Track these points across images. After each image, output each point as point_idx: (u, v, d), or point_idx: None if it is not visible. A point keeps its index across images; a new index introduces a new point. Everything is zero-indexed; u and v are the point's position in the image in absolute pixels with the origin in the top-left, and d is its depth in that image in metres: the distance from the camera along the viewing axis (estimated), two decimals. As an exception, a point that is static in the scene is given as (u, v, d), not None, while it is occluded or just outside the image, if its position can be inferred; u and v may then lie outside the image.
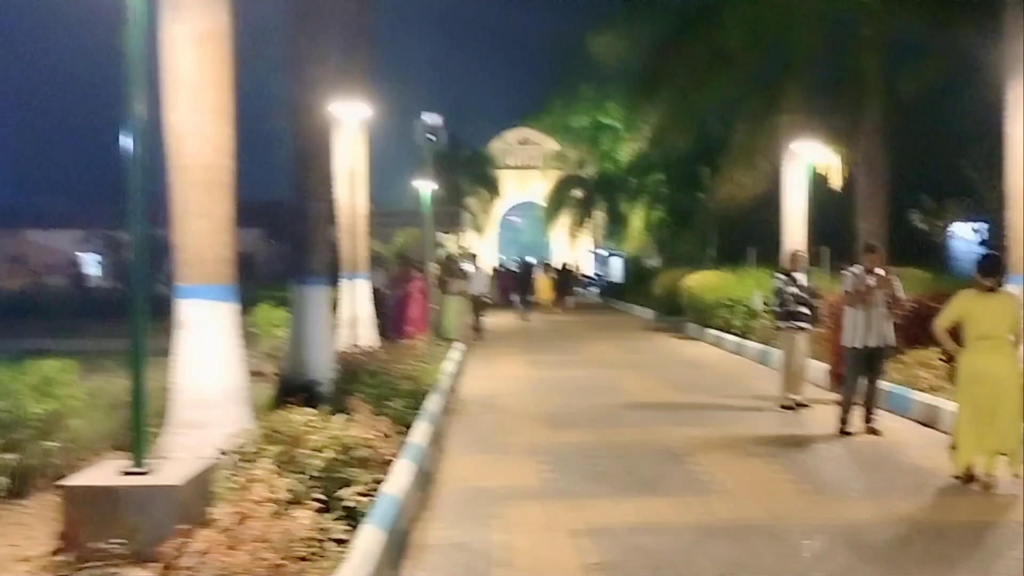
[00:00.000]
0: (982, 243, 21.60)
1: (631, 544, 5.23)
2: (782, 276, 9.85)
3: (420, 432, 7.53)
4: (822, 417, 9.40)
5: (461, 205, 42.94)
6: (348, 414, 8.42)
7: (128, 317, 5.11)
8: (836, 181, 17.40)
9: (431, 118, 11.26)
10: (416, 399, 9.32)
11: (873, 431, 8.37)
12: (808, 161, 16.12)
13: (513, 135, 50.87)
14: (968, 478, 6.45)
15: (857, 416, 8.41)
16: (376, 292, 19.53)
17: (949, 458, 6.59)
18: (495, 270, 36.31)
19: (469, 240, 41.49)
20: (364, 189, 14.49)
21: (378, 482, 5.79)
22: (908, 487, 6.50)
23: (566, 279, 34.86)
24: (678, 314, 22.25)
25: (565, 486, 6.60)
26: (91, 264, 42.84)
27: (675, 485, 6.56)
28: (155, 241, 6.14)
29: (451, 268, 19.19)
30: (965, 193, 16.40)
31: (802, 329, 9.82)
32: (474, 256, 21.51)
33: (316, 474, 5.62)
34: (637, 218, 37.50)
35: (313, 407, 9.42)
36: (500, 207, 48.76)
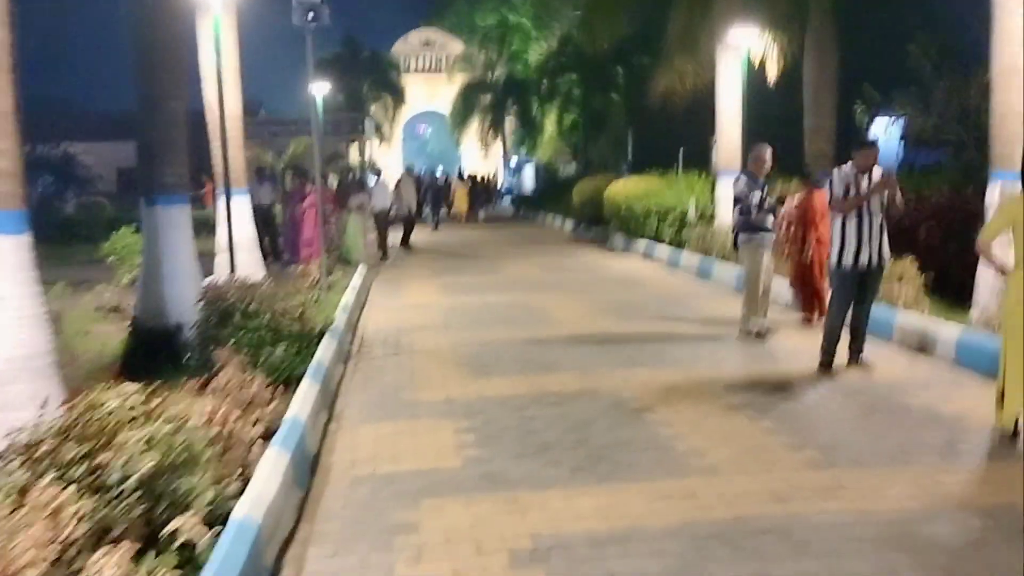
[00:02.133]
0: (902, 139, 20.59)
1: (600, 572, 3.58)
2: (746, 179, 8.19)
3: (301, 397, 5.69)
4: (793, 344, 7.93)
5: (363, 111, 40.21)
6: (211, 371, 6.61)
7: None
8: (772, 73, 15.78)
9: (310, -9, 9.02)
10: (304, 343, 7.50)
11: (863, 364, 6.91)
12: (744, 50, 14.45)
13: (416, 36, 47.79)
14: (1015, 433, 5.01)
15: (843, 347, 6.94)
16: (265, 209, 17.33)
17: (995, 408, 5.12)
18: (398, 182, 34.07)
19: (373, 150, 38.91)
20: (236, 87, 12.19)
21: (236, 484, 4.00)
22: (940, 447, 5.01)
23: (479, 191, 33.07)
24: (601, 225, 20.73)
25: (497, 468, 4.89)
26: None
27: (643, 461, 4.91)
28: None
29: (348, 180, 17.03)
30: (912, 83, 14.96)
31: (768, 242, 8.24)
32: (377, 167, 19.27)
33: (135, 490, 3.78)
34: (550, 123, 35.83)
35: (175, 361, 7.57)
36: (405, 114, 46.00)
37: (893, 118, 19.93)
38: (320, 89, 21.67)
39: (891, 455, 4.91)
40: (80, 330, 9.54)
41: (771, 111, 16.63)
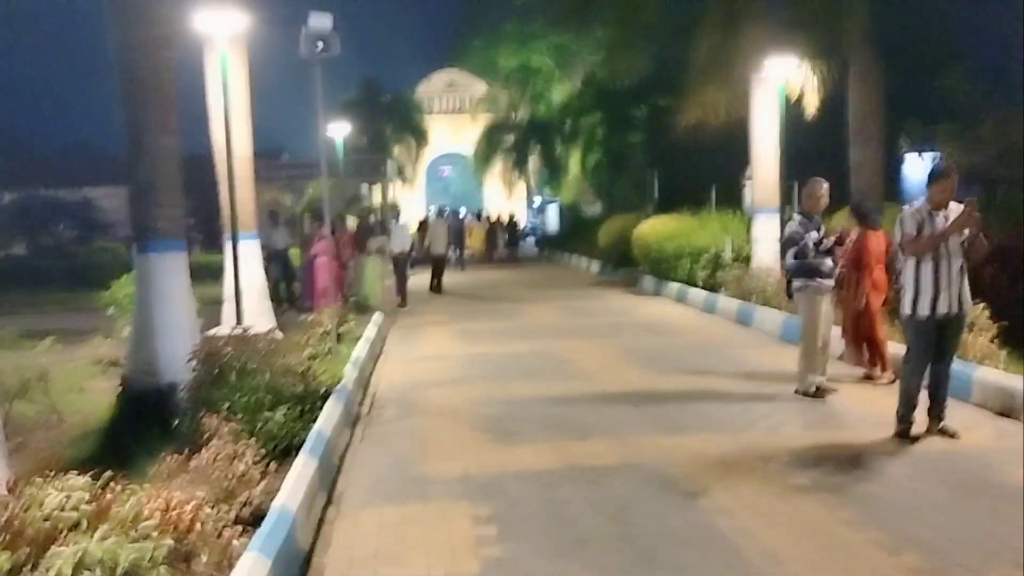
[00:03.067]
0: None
1: None
2: (800, 218, 7.32)
3: (294, 479, 4.84)
4: (858, 406, 7.00)
5: (385, 154, 39.86)
6: (202, 440, 5.85)
7: None
8: (811, 105, 14.95)
9: (319, 19, 8.33)
10: (308, 405, 6.71)
11: (947, 432, 5.98)
12: (780, 81, 13.66)
13: (440, 78, 47.57)
14: None
15: (920, 410, 6.02)
16: (280, 254, 16.67)
17: None
18: (422, 223, 33.56)
19: (396, 192, 38.45)
20: (246, 126, 11.53)
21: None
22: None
23: (496, 230, 32.47)
24: (628, 266, 19.90)
25: (525, 574, 4.01)
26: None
27: (704, 567, 4.01)
28: None
29: (367, 223, 16.34)
30: (956, 115, 14.12)
31: (827, 289, 7.35)
32: (397, 209, 18.61)
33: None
34: (573, 163, 35.35)
35: (165, 426, 6.79)
36: (428, 156, 45.67)
37: (927, 154, 19.07)
38: (339, 130, 21.21)
39: (1010, 558, 3.98)
40: (74, 386, 8.79)
41: (809, 145, 15.80)
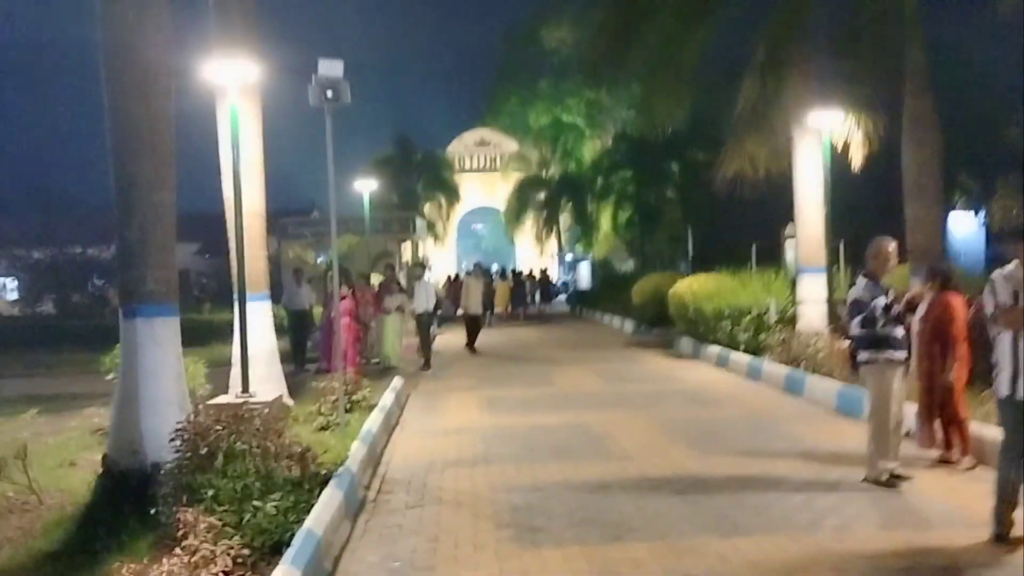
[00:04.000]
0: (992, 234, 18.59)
1: None
2: (866, 281, 6.44)
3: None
4: (940, 497, 6.02)
5: (417, 211, 39.59)
6: (176, 534, 5.07)
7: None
8: (857, 158, 14.11)
9: (328, 67, 7.71)
10: (305, 493, 5.90)
11: (1056, 536, 5.00)
12: (826, 133, 12.88)
13: (471, 136, 47.50)
14: None
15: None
16: (302, 314, 15.99)
17: None
18: (450, 279, 32.96)
19: (425, 248, 38.00)
20: (259, 180, 10.92)
21: None
22: None
23: (524, 286, 31.72)
24: (664, 325, 19.00)
25: None
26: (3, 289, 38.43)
27: None
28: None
29: (390, 282, 15.64)
30: (1012, 168, 13.20)
31: (899, 362, 6.41)
32: (423, 266, 17.94)
33: None
34: (605, 220, 34.88)
35: (145, 513, 6.01)
36: (460, 212, 45.39)
37: (975, 212, 18.06)
38: (366, 186, 20.75)
39: None
40: (64, 460, 8.07)
41: (856, 200, 14.96)
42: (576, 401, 11.06)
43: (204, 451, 6.09)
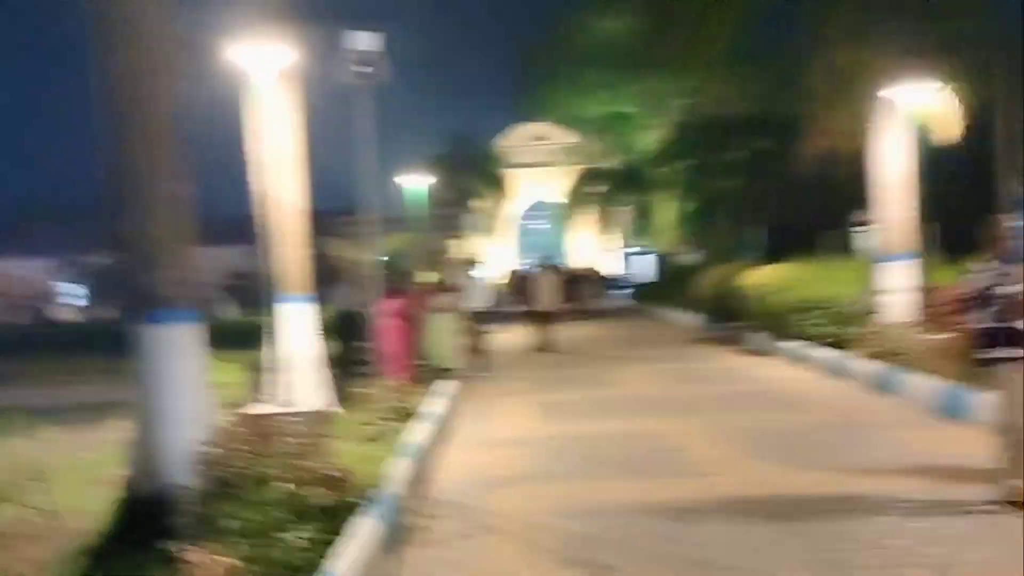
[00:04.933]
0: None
1: None
2: (998, 266, 5.40)
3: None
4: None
5: (468, 207, 39.04)
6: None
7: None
8: (951, 134, 12.85)
9: (362, 39, 6.90)
10: (339, 522, 5.15)
11: None
12: (913, 108, 11.72)
13: (525, 131, 46.80)
14: None
15: None
16: (351, 315, 15.30)
17: None
18: (512, 275, 32.21)
19: (479, 245, 37.37)
20: (299, 175, 10.20)
21: None
22: None
23: (573, 282, 30.67)
24: (733, 320, 17.91)
25: None
26: (73, 295, 38.90)
27: None
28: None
29: (439, 279, 14.88)
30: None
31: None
32: (472, 262, 17.13)
33: None
34: (666, 211, 33.77)
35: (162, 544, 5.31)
36: (516, 208, 44.76)
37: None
38: (417, 182, 20.15)
39: None
40: (95, 477, 7.42)
41: (944, 180, 13.71)
42: (643, 406, 10.14)
43: (226, 476, 5.38)
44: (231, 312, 22.12)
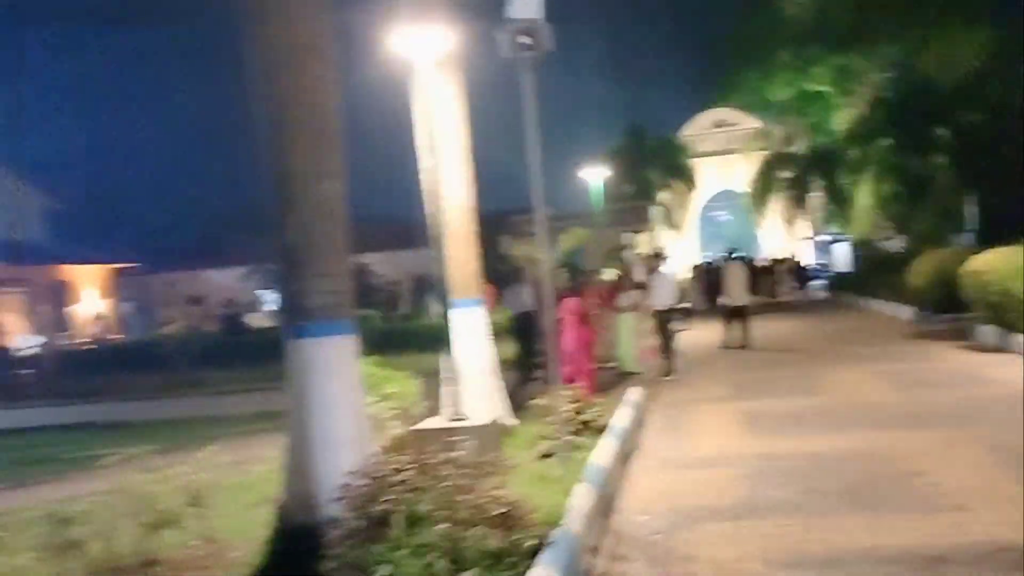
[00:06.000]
0: None
1: None
2: None
3: None
4: None
5: (652, 200, 37.68)
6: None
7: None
8: None
9: (522, 9, 6.07)
10: (507, 568, 4.36)
11: None
12: None
13: (706, 118, 44.76)
14: None
15: None
16: (527, 317, 14.62)
17: None
18: (697, 269, 30.70)
19: (663, 239, 35.94)
20: (464, 170, 9.57)
21: None
22: None
23: (764, 273, 28.69)
24: (954, 311, 15.83)
25: None
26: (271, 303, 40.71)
27: None
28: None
29: (621, 276, 13.89)
30: None
31: None
32: (658, 256, 16.00)
33: None
34: (862, 195, 31.10)
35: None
36: (698, 199, 42.89)
37: None
38: (595, 175, 19.26)
39: None
40: (261, 499, 7.03)
41: None
42: (861, 416, 8.74)
43: (379, 512, 4.69)
44: (428, 312, 22.00)
